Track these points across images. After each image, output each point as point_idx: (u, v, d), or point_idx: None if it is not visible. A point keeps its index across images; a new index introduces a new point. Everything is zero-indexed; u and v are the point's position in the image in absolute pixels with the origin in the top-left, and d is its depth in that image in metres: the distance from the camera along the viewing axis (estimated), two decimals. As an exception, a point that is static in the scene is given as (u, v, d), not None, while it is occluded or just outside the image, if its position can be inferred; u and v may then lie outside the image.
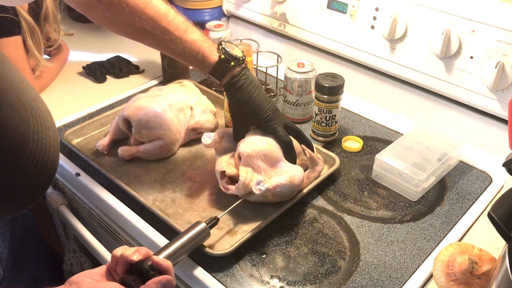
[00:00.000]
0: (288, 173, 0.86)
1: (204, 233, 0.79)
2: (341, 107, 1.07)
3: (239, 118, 0.93)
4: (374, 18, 1.11)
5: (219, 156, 0.94)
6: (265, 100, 0.90)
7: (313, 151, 0.93)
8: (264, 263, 0.80)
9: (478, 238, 0.86)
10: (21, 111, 0.54)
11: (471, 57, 0.98)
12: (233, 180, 0.89)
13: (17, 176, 0.54)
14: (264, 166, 0.87)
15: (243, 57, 0.90)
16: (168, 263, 0.68)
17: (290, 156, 0.90)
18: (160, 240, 0.84)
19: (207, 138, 0.93)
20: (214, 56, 0.88)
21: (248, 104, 0.89)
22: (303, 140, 0.93)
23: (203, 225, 0.79)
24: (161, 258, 0.68)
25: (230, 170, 0.89)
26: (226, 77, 0.89)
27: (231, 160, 0.91)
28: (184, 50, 0.87)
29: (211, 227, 0.80)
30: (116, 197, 0.93)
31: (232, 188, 0.88)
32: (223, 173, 0.89)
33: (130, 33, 0.88)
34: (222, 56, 0.88)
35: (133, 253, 0.66)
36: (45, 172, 0.57)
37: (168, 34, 0.86)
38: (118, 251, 0.67)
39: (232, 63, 0.88)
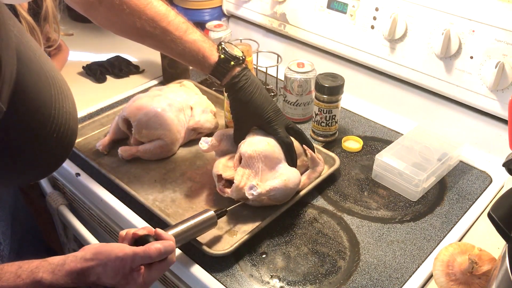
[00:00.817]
0: (283, 177, 0.85)
1: (211, 221, 0.80)
2: (341, 107, 1.07)
3: (241, 119, 0.93)
4: (374, 18, 1.11)
5: (218, 158, 0.94)
6: (267, 101, 0.90)
7: (314, 152, 0.93)
8: (264, 263, 0.80)
9: (478, 238, 0.86)
10: (43, 79, 0.55)
11: (471, 57, 0.98)
12: (231, 182, 0.89)
13: (41, 142, 0.56)
14: (264, 168, 0.87)
15: (243, 57, 0.89)
16: (171, 236, 0.72)
17: (291, 157, 0.89)
18: (160, 240, 0.84)
19: (204, 144, 0.93)
20: (214, 56, 0.88)
21: (249, 105, 0.89)
22: (304, 141, 0.93)
23: (211, 213, 0.80)
24: (164, 232, 0.73)
25: (227, 173, 0.89)
26: (227, 77, 0.89)
27: (228, 163, 0.91)
28: (184, 50, 0.87)
29: (219, 216, 0.81)
30: (116, 197, 0.93)
31: (228, 192, 0.88)
32: (219, 176, 0.89)
33: (131, 34, 0.88)
34: (222, 56, 0.88)
35: (139, 229, 0.72)
36: (66, 139, 0.59)
37: (169, 35, 0.86)
38: (124, 231, 0.72)
39: (232, 63, 0.88)
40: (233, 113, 0.93)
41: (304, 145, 0.93)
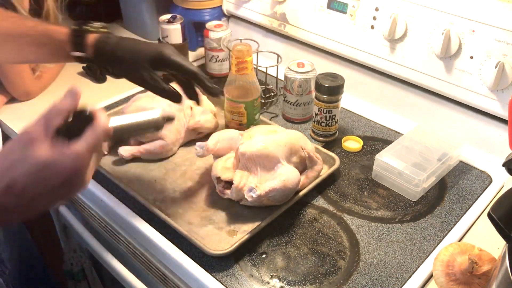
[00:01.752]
0: (281, 177, 0.85)
1: (157, 124, 0.73)
2: (341, 107, 1.07)
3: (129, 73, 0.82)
4: (374, 18, 1.11)
5: (216, 159, 0.93)
6: (144, 49, 0.79)
7: (203, 82, 0.82)
8: (264, 263, 0.80)
9: (478, 238, 0.86)
10: None
11: (471, 57, 0.98)
12: (230, 183, 0.89)
13: None
14: (262, 169, 0.87)
15: (103, 28, 0.82)
16: (105, 116, 0.62)
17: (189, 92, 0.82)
18: (160, 240, 0.84)
19: (199, 149, 0.92)
20: (64, 29, 0.80)
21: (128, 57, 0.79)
22: (185, 72, 0.81)
23: (158, 116, 0.73)
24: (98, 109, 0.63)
25: (225, 175, 0.88)
26: (90, 41, 0.78)
27: (226, 164, 0.91)
28: (34, 38, 0.78)
29: (166, 120, 0.74)
30: (116, 197, 0.93)
31: (227, 193, 0.88)
32: (218, 178, 0.89)
33: None
34: (74, 27, 0.80)
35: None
36: None
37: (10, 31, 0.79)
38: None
39: (87, 27, 0.80)
40: (120, 74, 0.82)
41: (301, 145, 0.92)
